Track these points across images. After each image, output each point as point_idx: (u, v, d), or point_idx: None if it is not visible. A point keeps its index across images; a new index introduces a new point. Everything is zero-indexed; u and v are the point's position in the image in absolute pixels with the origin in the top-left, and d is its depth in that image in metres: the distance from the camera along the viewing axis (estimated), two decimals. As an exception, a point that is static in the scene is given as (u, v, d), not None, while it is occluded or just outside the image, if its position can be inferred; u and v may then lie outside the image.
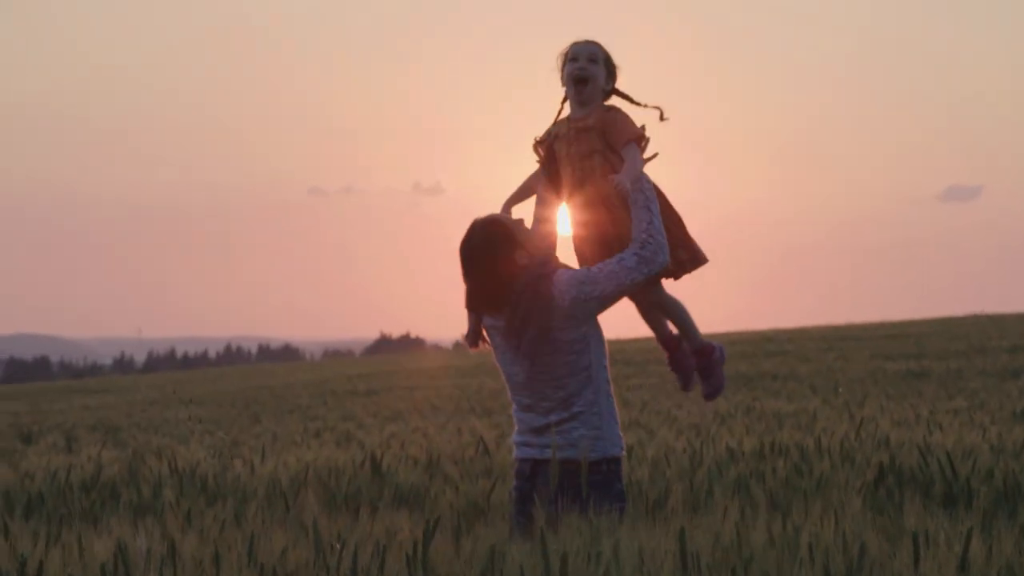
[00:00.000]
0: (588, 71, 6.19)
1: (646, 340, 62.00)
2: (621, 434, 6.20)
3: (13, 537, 4.50)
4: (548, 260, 6.14)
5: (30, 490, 9.03)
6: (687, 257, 6.32)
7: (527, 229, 6.23)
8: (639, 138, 6.10)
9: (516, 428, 6.29)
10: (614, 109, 6.22)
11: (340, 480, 9.17)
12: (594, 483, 6.03)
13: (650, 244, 6.01)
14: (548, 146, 6.36)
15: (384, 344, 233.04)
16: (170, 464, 10.13)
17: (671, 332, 6.60)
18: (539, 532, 4.67)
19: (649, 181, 6.20)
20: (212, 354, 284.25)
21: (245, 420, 25.94)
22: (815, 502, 7.01)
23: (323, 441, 16.73)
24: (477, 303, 6.22)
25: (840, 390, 24.00)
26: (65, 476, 9.50)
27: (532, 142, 6.44)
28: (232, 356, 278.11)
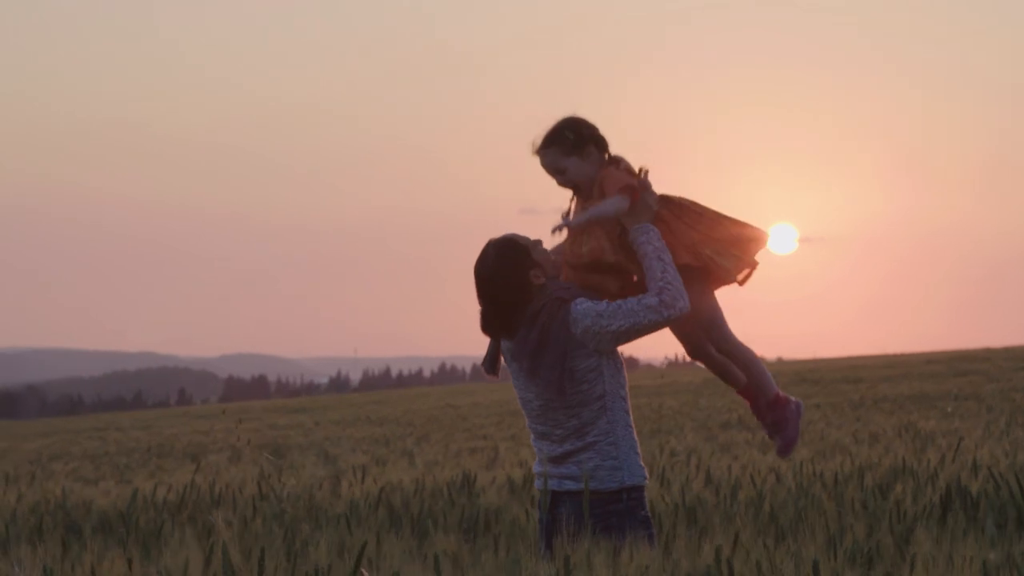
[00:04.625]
0: (567, 179, 5.99)
1: (838, 359, 60.96)
2: (642, 464, 6.03)
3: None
4: (566, 284, 5.96)
5: (106, 509, 9.15)
6: (740, 252, 6.00)
7: (544, 250, 6.02)
8: (629, 187, 5.82)
9: (536, 458, 6.16)
10: (608, 166, 5.92)
11: (412, 501, 9.14)
12: (617, 512, 5.87)
13: (669, 290, 5.73)
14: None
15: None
16: (260, 486, 10.19)
17: (744, 380, 6.25)
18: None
19: (674, 205, 6.01)
20: (427, 373, 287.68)
21: (412, 439, 26.09)
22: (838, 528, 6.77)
23: (464, 461, 16.71)
24: (492, 327, 6.00)
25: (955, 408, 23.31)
26: (151, 496, 9.61)
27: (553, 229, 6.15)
28: (446, 375, 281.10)
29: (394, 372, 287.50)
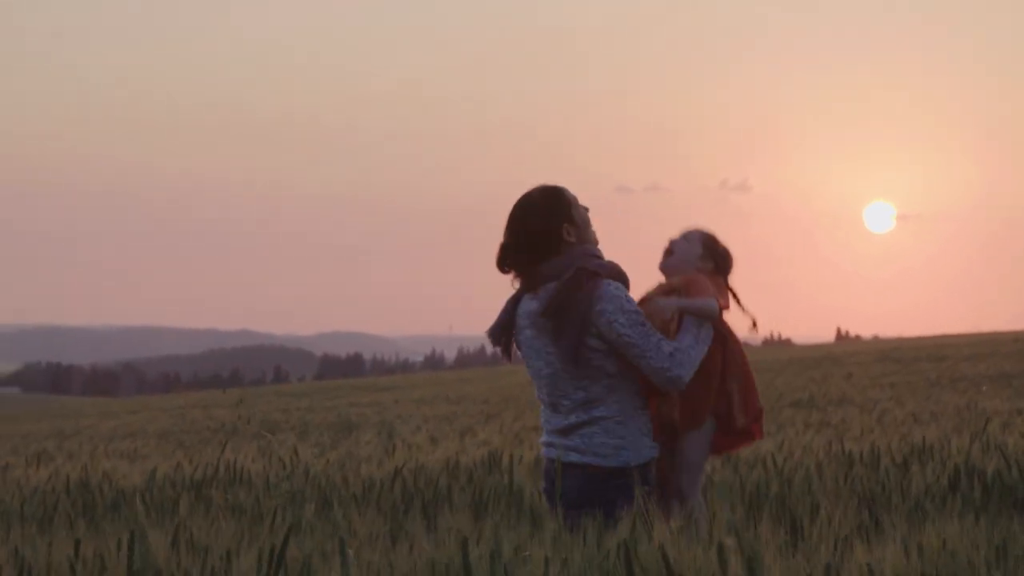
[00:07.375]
0: (674, 244, 6.29)
1: (926, 338, 60.34)
2: (652, 443, 5.98)
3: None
4: (598, 257, 5.94)
5: (120, 488, 9.22)
6: (743, 425, 6.20)
7: (586, 217, 6.04)
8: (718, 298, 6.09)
9: (544, 428, 6.12)
10: (698, 276, 6.17)
11: (432, 480, 9.13)
12: (616, 487, 5.84)
13: (686, 359, 5.82)
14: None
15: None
16: (285, 465, 10.21)
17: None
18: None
19: (734, 342, 6.23)
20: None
21: (480, 418, 26.06)
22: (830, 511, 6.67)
23: (523, 438, 16.64)
24: (509, 258, 5.94)
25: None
26: (172, 475, 9.67)
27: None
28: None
29: (489, 350, 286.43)
